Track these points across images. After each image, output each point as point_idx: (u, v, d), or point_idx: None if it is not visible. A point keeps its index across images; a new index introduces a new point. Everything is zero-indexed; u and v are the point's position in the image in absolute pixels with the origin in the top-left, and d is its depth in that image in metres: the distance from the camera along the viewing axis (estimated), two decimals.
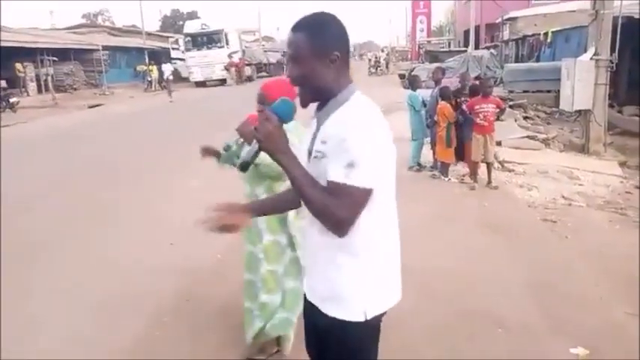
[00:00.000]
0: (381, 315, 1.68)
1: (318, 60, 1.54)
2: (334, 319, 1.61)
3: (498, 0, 23.22)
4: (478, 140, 6.72)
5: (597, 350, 3.03)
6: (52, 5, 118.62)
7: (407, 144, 7.70)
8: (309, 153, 1.61)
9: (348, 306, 1.60)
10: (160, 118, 16.22)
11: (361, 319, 1.59)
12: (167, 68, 24.53)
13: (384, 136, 1.54)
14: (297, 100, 1.66)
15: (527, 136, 10.03)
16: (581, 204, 6.13)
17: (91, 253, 4.91)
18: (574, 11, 15.64)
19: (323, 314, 1.64)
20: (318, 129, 1.61)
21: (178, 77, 31.80)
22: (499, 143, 8.44)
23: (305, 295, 1.78)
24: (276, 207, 2.01)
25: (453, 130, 7.08)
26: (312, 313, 1.72)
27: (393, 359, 3.00)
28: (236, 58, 30.29)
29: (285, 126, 1.58)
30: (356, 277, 1.61)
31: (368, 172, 1.47)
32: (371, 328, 1.65)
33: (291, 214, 2.70)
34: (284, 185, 2.53)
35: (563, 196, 6.40)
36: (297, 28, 1.57)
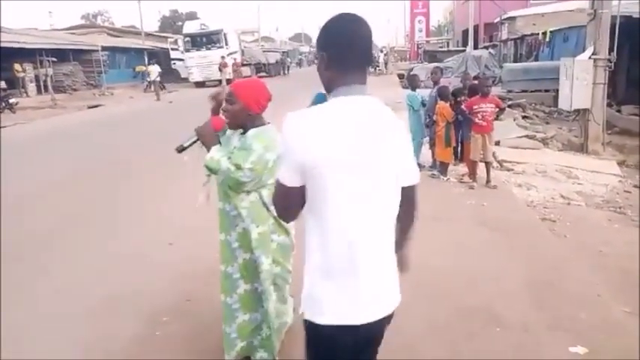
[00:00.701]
0: (330, 327, 1.59)
1: (319, 59, 1.60)
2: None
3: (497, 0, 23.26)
4: (477, 140, 6.74)
5: (596, 349, 3.04)
6: (51, 6, 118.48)
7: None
8: None
9: (301, 301, 1.66)
10: (159, 119, 16.22)
11: (305, 317, 1.64)
12: (154, 70, 23.17)
13: (312, 142, 1.49)
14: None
15: (526, 136, 10.05)
16: (580, 203, 6.15)
17: (91, 253, 4.92)
18: (572, 11, 15.67)
19: None
20: None
21: (178, 77, 31.81)
22: (498, 143, 8.46)
23: None
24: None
25: (451, 129, 7.10)
26: None
27: (391, 359, 3.03)
28: (230, 59, 29.43)
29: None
30: (307, 277, 1.64)
31: (283, 171, 1.54)
32: (319, 334, 1.63)
33: (254, 231, 2.65)
34: (244, 197, 2.59)
35: (562, 196, 6.42)
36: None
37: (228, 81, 28.53)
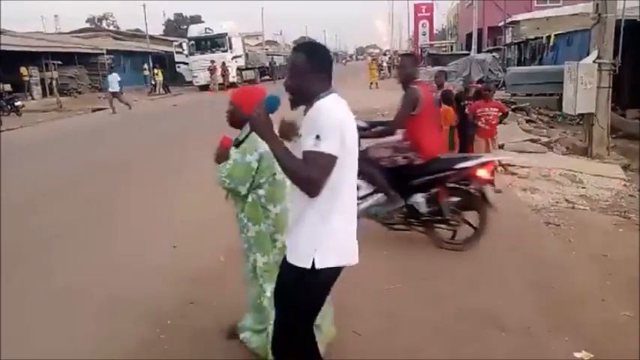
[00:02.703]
0: (332, 269, 2.09)
1: (311, 76, 2.08)
2: (291, 264, 2.11)
3: (501, 2, 23.27)
4: (480, 144, 6.74)
5: (600, 353, 3.03)
6: (56, 9, 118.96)
7: None
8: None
9: (300, 255, 2.08)
10: (163, 122, 16.29)
11: (308, 266, 2.04)
12: (113, 79, 19.40)
13: (343, 122, 2.03)
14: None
15: (530, 140, 10.03)
16: (584, 207, 6.13)
17: (95, 255, 4.94)
18: (576, 15, 15.67)
19: (287, 263, 2.14)
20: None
21: (182, 81, 31.90)
22: (502, 146, 8.44)
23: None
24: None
25: (455, 133, 7.10)
26: (283, 264, 2.21)
27: (393, 359, 3.04)
28: (219, 63, 28.72)
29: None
30: (313, 232, 2.07)
31: (330, 142, 1.94)
32: (320, 278, 2.09)
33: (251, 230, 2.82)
34: (244, 199, 2.78)
35: (566, 200, 6.40)
36: (297, 50, 2.19)
37: (203, 87, 28.57)
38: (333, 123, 1.98)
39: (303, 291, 2.12)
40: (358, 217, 2.24)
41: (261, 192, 2.75)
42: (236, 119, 2.82)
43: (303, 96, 2.11)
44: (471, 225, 4.67)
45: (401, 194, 4.51)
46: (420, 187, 4.51)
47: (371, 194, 4.58)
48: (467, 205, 4.60)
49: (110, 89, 19.27)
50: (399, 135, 4.71)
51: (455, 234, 4.72)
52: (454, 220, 4.63)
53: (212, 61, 28.43)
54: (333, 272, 2.12)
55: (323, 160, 1.94)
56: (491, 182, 4.60)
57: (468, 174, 4.47)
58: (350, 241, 2.15)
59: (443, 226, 4.68)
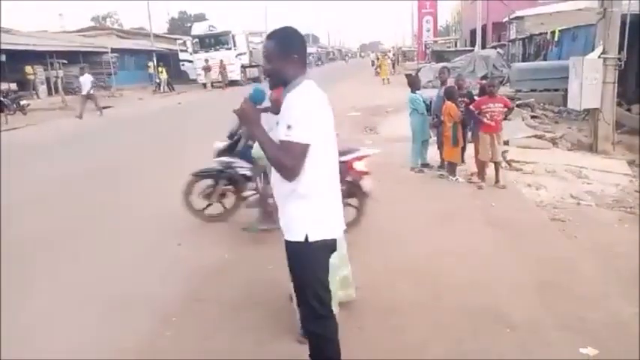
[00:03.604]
0: (323, 241, 2.29)
1: (283, 60, 2.25)
2: (288, 241, 2.32)
3: None
4: (485, 140, 6.73)
5: (607, 349, 3.02)
6: (61, 8, 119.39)
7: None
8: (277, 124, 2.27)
9: (295, 231, 2.28)
10: (168, 120, 16.32)
11: (302, 239, 2.25)
12: (86, 80, 17.95)
13: (319, 107, 2.22)
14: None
15: (535, 136, 9.98)
16: (590, 203, 6.11)
17: (101, 252, 4.96)
18: (581, 10, 15.53)
19: (286, 240, 2.33)
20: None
21: (187, 79, 31.93)
22: (507, 142, 8.41)
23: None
24: None
25: (459, 129, 7.09)
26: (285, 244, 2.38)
27: (398, 358, 3.04)
28: (216, 62, 28.70)
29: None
30: (301, 212, 2.26)
31: (301, 131, 2.12)
32: (313, 249, 2.28)
33: None
34: None
35: (571, 196, 6.38)
36: (270, 37, 2.32)
37: (219, 84, 28.54)
38: (304, 112, 2.14)
39: (303, 263, 2.32)
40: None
41: None
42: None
43: (278, 79, 2.29)
44: (355, 207, 5.06)
45: None
46: None
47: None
48: (349, 194, 4.89)
49: (83, 92, 17.83)
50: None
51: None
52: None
53: (206, 60, 28.48)
54: (325, 245, 2.32)
55: (295, 148, 2.12)
56: (366, 173, 4.95)
57: (346, 167, 4.80)
58: (335, 215, 2.38)
59: None
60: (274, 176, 2.31)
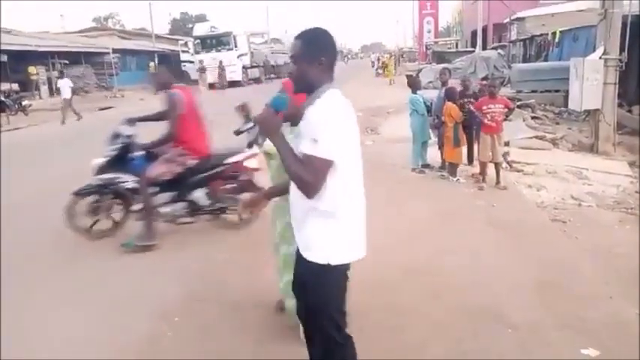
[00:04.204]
0: (344, 265, 2.15)
1: (308, 62, 2.08)
2: (307, 261, 2.13)
3: (506, 0, 23.14)
4: (486, 140, 6.73)
5: (608, 351, 3.02)
6: (62, 9, 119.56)
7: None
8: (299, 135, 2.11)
9: (318, 252, 2.11)
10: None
11: (325, 262, 2.09)
12: (64, 84, 16.73)
13: (344, 121, 2.05)
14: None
15: (536, 136, 9.99)
16: (590, 204, 6.11)
17: (101, 252, 4.96)
18: (582, 10, 15.54)
19: (304, 259, 2.15)
20: (302, 117, 2.10)
21: (188, 79, 31.98)
22: (507, 143, 8.42)
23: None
24: (273, 191, 2.79)
25: (460, 130, 7.09)
26: (298, 260, 2.24)
27: (398, 358, 3.04)
28: (214, 63, 28.64)
29: None
30: (322, 232, 2.10)
31: (327, 147, 1.96)
32: (334, 274, 2.13)
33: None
34: None
35: (572, 197, 6.38)
36: (297, 37, 2.14)
37: (211, 85, 28.56)
38: (330, 126, 1.98)
39: (322, 287, 2.16)
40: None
41: None
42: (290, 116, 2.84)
43: (303, 83, 2.13)
44: None
45: (182, 193, 5.03)
46: (199, 183, 5.04)
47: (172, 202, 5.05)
48: (243, 190, 5.15)
49: (62, 96, 16.80)
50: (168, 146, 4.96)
51: (240, 216, 5.22)
52: (233, 206, 5.12)
53: (200, 61, 28.50)
54: (347, 268, 2.19)
55: (319, 163, 1.97)
56: (257, 170, 5.07)
57: (238, 166, 5.07)
58: (359, 235, 2.18)
59: (227, 212, 5.28)
60: (293, 191, 2.16)
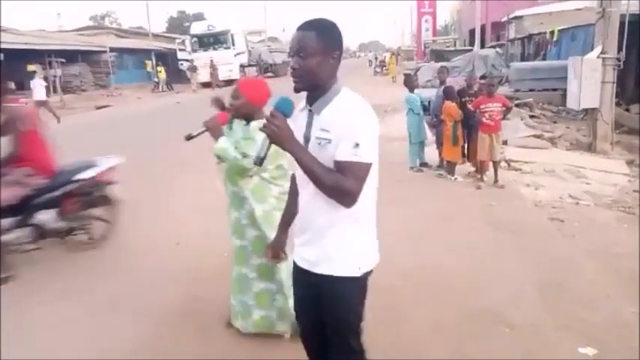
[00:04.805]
0: (370, 272, 1.99)
1: (322, 56, 1.80)
2: (334, 276, 1.90)
3: None
4: (484, 139, 6.73)
5: (606, 349, 3.02)
6: (59, 7, 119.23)
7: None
8: (306, 140, 1.87)
9: (348, 264, 1.91)
10: (166, 119, 16.29)
11: (357, 274, 1.92)
12: (36, 85, 15.73)
13: (375, 121, 1.85)
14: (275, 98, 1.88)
15: (534, 135, 10.00)
16: (588, 203, 6.12)
17: (98, 251, 4.94)
18: (580, 9, 15.55)
19: (321, 275, 1.93)
20: (312, 118, 1.87)
21: (185, 78, 31.93)
22: (505, 142, 8.42)
23: (297, 265, 2.06)
24: (287, 221, 2.26)
25: (459, 128, 7.08)
26: (307, 280, 2.00)
27: (398, 359, 3.03)
28: (207, 61, 28.26)
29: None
30: (354, 240, 1.92)
31: (369, 150, 1.78)
32: (363, 282, 1.97)
33: (257, 209, 2.93)
34: (248, 180, 2.91)
35: (570, 195, 6.38)
36: (307, 27, 1.82)
37: (206, 84, 28.41)
38: (370, 126, 1.81)
39: (351, 300, 1.97)
40: None
41: (265, 175, 2.90)
42: (243, 113, 2.91)
43: (311, 80, 1.83)
44: (104, 220, 5.00)
45: (27, 217, 4.48)
46: (48, 204, 4.54)
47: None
48: (97, 205, 4.91)
49: (35, 97, 15.44)
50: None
51: (91, 235, 4.96)
52: (84, 224, 4.87)
53: (191, 60, 28.39)
54: (370, 274, 2.02)
55: (363, 170, 1.78)
56: (112, 183, 4.92)
57: (93, 180, 4.76)
58: (375, 240, 2.05)
59: (78, 232, 4.86)
60: (310, 205, 1.93)
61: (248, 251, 3.06)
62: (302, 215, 2.00)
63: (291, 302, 2.93)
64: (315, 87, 1.84)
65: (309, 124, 1.87)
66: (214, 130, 2.90)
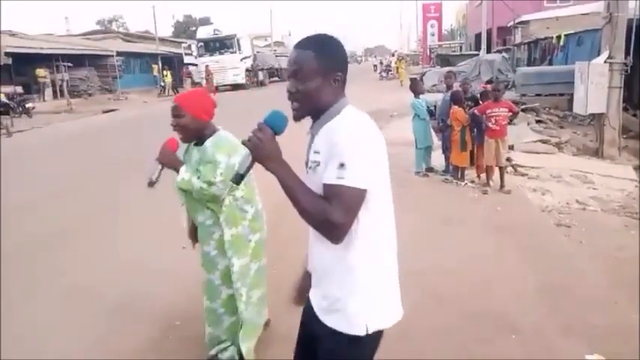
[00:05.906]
0: (381, 331, 1.65)
1: (323, 78, 1.59)
2: (334, 330, 1.60)
3: (510, 2, 23.14)
4: (490, 144, 6.70)
5: (612, 356, 2.99)
6: (67, 12, 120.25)
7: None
8: (306, 165, 1.65)
9: (349, 319, 1.59)
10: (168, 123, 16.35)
11: (362, 332, 1.58)
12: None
13: (374, 142, 1.57)
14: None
15: (540, 140, 9.95)
16: (595, 208, 6.08)
17: (103, 255, 4.96)
18: (587, 14, 15.53)
19: (323, 325, 1.63)
20: (312, 141, 1.64)
21: (191, 82, 32.08)
22: (512, 147, 8.39)
23: (309, 304, 1.75)
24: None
25: (467, 133, 7.06)
26: (311, 324, 1.70)
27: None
28: (201, 67, 28.32)
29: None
30: (357, 289, 1.59)
31: (359, 172, 1.48)
32: (370, 342, 1.64)
33: (227, 234, 2.72)
34: (224, 207, 2.66)
35: (577, 201, 6.35)
36: (304, 46, 1.61)
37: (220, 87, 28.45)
38: (361, 144, 1.51)
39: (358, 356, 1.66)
40: None
41: (238, 193, 2.70)
42: (191, 132, 2.65)
43: (311, 106, 1.61)
44: None
45: None
46: None
47: None
48: None
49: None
50: None
51: None
52: None
53: (187, 66, 28.46)
54: (382, 334, 1.68)
55: (349, 195, 1.47)
56: None
57: None
58: (396, 288, 1.71)
59: None
60: (313, 238, 1.67)
61: (216, 285, 2.87)
62: (310, 250, 1.75)
63: (253, 331, 2.92)
64: (317, 113, 1.63)
65: (308, 148, 1.66)
66: (171, 162, 2.66)
